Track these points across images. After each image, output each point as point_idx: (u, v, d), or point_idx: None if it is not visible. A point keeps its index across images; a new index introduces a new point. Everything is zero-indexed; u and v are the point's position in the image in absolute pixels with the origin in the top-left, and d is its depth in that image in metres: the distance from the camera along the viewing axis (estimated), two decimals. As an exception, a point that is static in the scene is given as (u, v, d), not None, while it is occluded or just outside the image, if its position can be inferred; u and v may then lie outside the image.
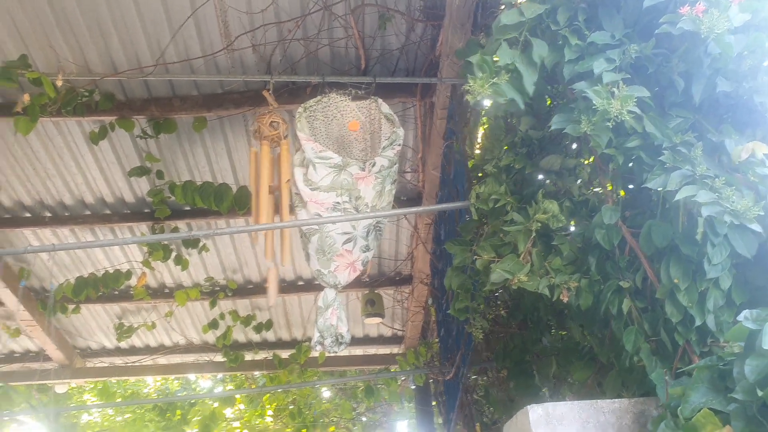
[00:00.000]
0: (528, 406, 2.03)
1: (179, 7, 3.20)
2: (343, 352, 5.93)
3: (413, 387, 5.69)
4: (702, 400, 1.45)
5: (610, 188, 2.27)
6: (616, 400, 2.03)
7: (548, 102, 2.67)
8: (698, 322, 1.92)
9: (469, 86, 2.06)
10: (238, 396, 6.31)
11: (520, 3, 2.29)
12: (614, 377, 2.33)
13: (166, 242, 4.57)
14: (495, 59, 2.13)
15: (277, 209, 3.08)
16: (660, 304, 2.07)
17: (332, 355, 5.70)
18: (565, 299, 2.24)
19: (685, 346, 1.97)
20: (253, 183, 3.15)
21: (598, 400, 2.05)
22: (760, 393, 1.34)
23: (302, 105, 3.13)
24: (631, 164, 2.14)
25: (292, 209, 2.97)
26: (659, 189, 1.93)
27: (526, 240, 2.28)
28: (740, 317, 1.53)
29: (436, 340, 4.90)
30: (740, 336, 1.52)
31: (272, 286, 3.23)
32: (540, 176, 2.43)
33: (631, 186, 2.45)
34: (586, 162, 2.49)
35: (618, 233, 2.16)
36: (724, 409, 1.41)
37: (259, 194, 3.00)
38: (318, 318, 2.89)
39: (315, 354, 5.59)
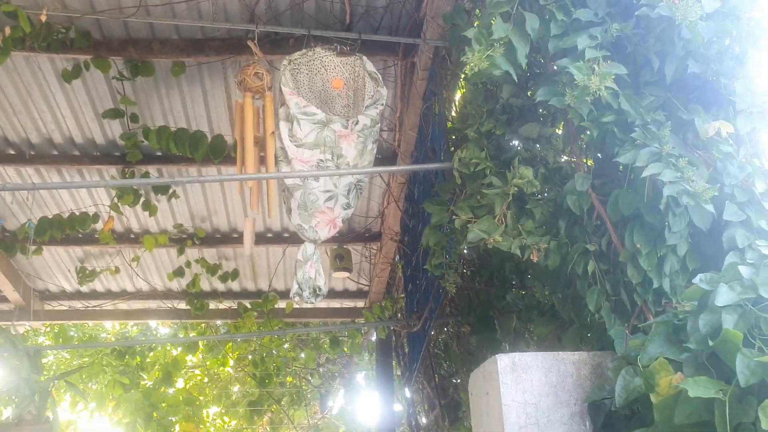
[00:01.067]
0: (496, 355, 2.19)
1: (164, -52, 3.15)
2: (307, 304, 6.12)
3: (374, 339, 5.89)
4: (658, 350, 1.62)
5: (584, 160, 2.42)
6: (576, 352, 2.21)
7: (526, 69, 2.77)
8: (656, 285, 2.11)
9: (467, 58, 2.14)
10: (200, 344, 6.39)
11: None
12: (574, 332, 2.52)
13: (135, 188, 4.56)
14: (490, 31, 2.21)
15: (261, 160, 3.13)
16: (622, 267, 2.25)
17: (297, 307, 5.84)
18: (535, 259, 2.40)
19: (643, 306, 2.15)
20: (238, 134, 3.18)
21: (560, 352, 2.22)
22: (710, 343, 1.52)
23: (287, 58, 3.15)
24: (604, 138, 2.28)
25: (276, 162, 3.02)
26: (628, 163, 2.07)
27: (503, 203, 2.41)
28: (695, 280, 1.70)
29: (402, 295, 5.07)
30: (694, 296, 1.70)
31: (248, 237, 3.30)
32: (518, 143, 2.55)
33: (599, 156, 2.60)
34: (559, 131, 2.62)
35: (588, 200, 2.31)
36: (677, 358, 1.59)
37: (246, 144, 3.04)
38: (297, 270, 2.99)
39: (281, 305, 5.72)
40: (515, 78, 2.16)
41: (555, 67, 2.38)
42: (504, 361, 2.18)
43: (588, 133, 2.22)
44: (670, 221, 2.07)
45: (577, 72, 1.95)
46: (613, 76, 1.96)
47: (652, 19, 2.00)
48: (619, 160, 2.06)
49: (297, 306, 5.75)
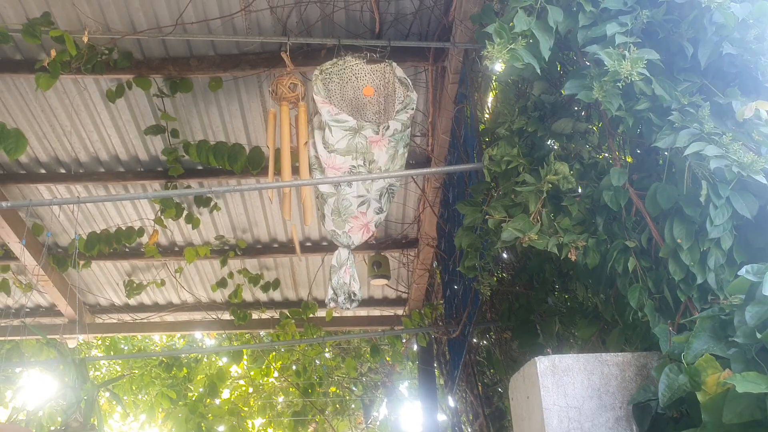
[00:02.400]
0: (536, 358, 2.14)
1: (198, -34, 3.23)
2: (348, 312, 6.14)
3: (416, 348, 5.85)
4: (704, 346, 1.56)
5: (620, 155, 2.36)
6: (620, 353, 2.14)
7: (559, 68, 2.74)
8: (699, 280, 2.03)
9: (487, 52, 2.12)
10: (244, 354, 6.46)
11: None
12: (617, 334, 2.45)
13: (178, 200, 4.68)
14: (511, 25, 2.20)
15: (294, 169, 3.17)
16: (663, 263, 2.18)
17: (337, 315, 5.86)
18: (573, 258, 2.34)
19: (687, 303, 2.08)
20: (271, 143, 3.22)
21: (602, 354, 2.16)
22: (759, 336, 1.45)
23: (318, 68, 3.19)
24: (640, 128, 2.22)
25: (310, 170, 3.06)
26: (667, 147, 2.01)
27: (537, 200, 2.37)
28: (741, 272, 1.63)
29: (441, 301, 5.03)
30: (741, 288, 1.63)
31: (296, 242, 3.35)
32: (551, 139, 2.51)
33: (638, 151, 2.54)
34: (595, 128, 2.57)
35: (625, 195, 2.26)
36: (724, 354, 1.52)
37: (282, 152, 3.09)
38: (332, 276, 3.00)
39: (321, 314, 5.75)
40: (539, 70, 2.13)
41: (587, 63, 2.35)
42: (544, 364, 2.13)
43: (623, 123, 2.16)
44: (712, 214, 2.00)
45: (607, 57, 1.91)
46: (645, 62, 1.91)
47: (682, 4, 1.95)
48: (658, 145, 2.00)
49: (336, 315, 5.77)
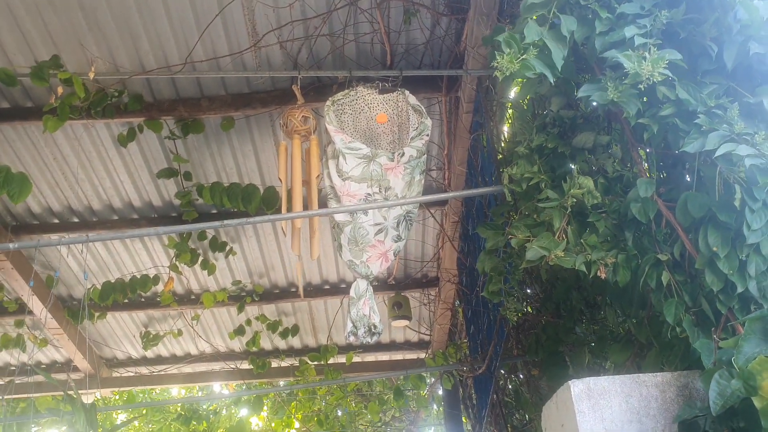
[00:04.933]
0: (569, 381, 2.00)
1: (207, 6, 3.26)
2: (369, 357, 5.96)
3: (441, 392, 5.64)
4: (756, 349, 1.43)
5: (645, 167, 2.27)
6: (659, 373, 2.01)
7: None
8: (740, 289, 1.90)
9: (497, 62, 2.06)
10: (265, 405, 6.28)
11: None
12: (654, 356, 2.30)
13: (193, 246, 4.62)
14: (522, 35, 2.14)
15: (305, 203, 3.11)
16: (699, 274, 2.05)
17: (358, 360, 5.68)
18: (603, 275, 2.22)
19: (728, 315, 1.94)
20: (283, 176, 3.18)
21: (640, 374, 2.02)
22: (817, 335, 1.32)
23: (330, 98, 3.17)
24: (665, 135, 2.13)
25: (323, 203, 2.99)
26: (696, 152, 1.92)
27: (561, 217, 2.27)
28: (790, 269, 1.51)
29: (465, 340, 4.86)
30: (791, 286, 1.50)
31: (300, 278, 3.25)
32: (573, 155, 2.42)
33: (661, 163, 2.45)
34: (617, 138, 2.48)
35: (654, 206, 2.15)
36: (779, 356, 1.39)
37: (293, 186, 3.03)
38: (351, 308, 2.89)
39: (341, 359, 5.58)
40: (552, 80, 2.05)
41: (605, 73, 2.28)
42: (578, 387, 2.00)
43: (648, 131, 2.07)
44: (748, 218, 1.89)
45: (626, 60, 1.84)
46: (667, 62, 1.83)
47: (704, 3, 1.88)
48: (686, 150, 1.90)
49: (357, 359, 5.60)
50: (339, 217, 2.90)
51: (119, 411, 7.40)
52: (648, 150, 2.40)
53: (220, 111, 3.74)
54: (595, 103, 2.15)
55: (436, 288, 5.01)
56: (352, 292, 2.92)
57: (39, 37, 3.35)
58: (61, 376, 5.98)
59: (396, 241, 2.95)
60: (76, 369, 5.90)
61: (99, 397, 6.68)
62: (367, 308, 2.85)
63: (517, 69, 2.05)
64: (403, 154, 2.97)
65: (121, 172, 4.22)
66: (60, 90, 3.23)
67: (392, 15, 3.37)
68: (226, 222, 2.87)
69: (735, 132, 1.84)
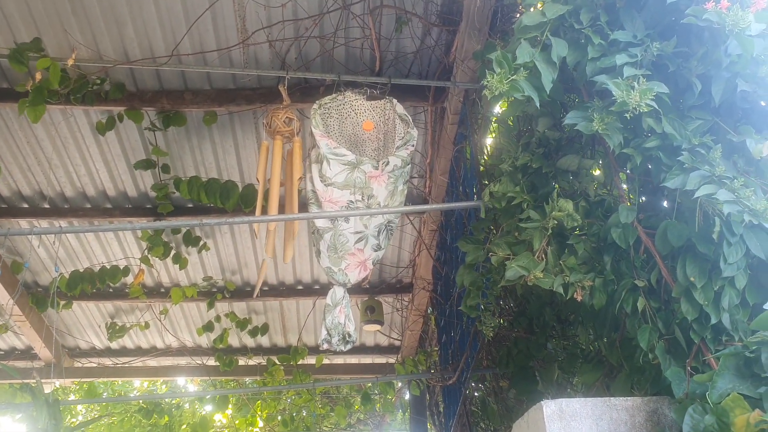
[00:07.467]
0: (541, 402, 2.02)
1: (197, -1, 3.22)
2: (338, 359, 5.94)
3: (408, 398, 5.65)
4: (729, 386, 1.46)
5: (628, 194, 2.30)
6: (629, 398, 2.03)
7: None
8: (714, 320, 1.94)
9: (487, 81, 2.07)
10: (229, 402, 6.21)
11: (542, 5, 2.33)
12: (624, 378, 2.33)
13: (166, 239, 4.55)
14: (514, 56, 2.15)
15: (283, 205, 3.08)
16: (674, 303, 2.09)
17: (327, 362, 5.66)
18: (579, 298, 2.25)
19: (700, 344, 1.97)
20: (261, 176, 3.14)
21: (611, 398, 2.04)
22: (790, 375, 1.35)
23: (317, 102, 3.15)
24: (648, 165, 2.16)
25: (305, 206, 2.97)
26: (678, 189, 1.95)
27: (542, 238, 2.29)
28: (766, 305, 1.54)
29: (435, 348, 4.87)
30: (766, 324, 1.54)
31: (260, 278, 3.23)
32: (556, 176, 2.45)
33: (641, 189, 2.48)
34: (601, 162, 2.51)
35: (633, 232, 2.18)
36: (751, 393, 1.42)
37: (271, 187, 3.00)
38: (326, 315, 2.88)
39: (311, 360, 5.55)
40: (538, 104, 2.07)
41: (593, 99, 2.30)
42: (550, 408, 2.01)
43: (631, 161, 2.10)
44: (725, 252, 1.92)
45: (615, 87, 1.86)
46: (654, 95, 1.86)
47: (694, 37, 1.92)
48: (667, 185, 1.93)
49: (327, 362, 5.57)
50: (319, 224, 2.88)
51: (79, 405, 7.26)
52: (629, 173, 2.44)
53: (204, 105, 3.69)
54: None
55: (410, 294, 5.02)
56: (328, 300, 2.90)
57: (21, 18, 3.26)
58: (21, 364, 5.85)
59: (376, 251, 2.95)
60: (36, 357, 5.77)
61: (58, 386, 6.54)
62: (342, 316, 2.84)
63: (506, 89, 2.06)
64: (388, 162, 2.97)
65: (97, 160, 4.14)
66: (38, 76, 3.14)
67: (384, 22, 3.36)
68: (205, 221, 2.83)
69: (716, 173, 1.87)
